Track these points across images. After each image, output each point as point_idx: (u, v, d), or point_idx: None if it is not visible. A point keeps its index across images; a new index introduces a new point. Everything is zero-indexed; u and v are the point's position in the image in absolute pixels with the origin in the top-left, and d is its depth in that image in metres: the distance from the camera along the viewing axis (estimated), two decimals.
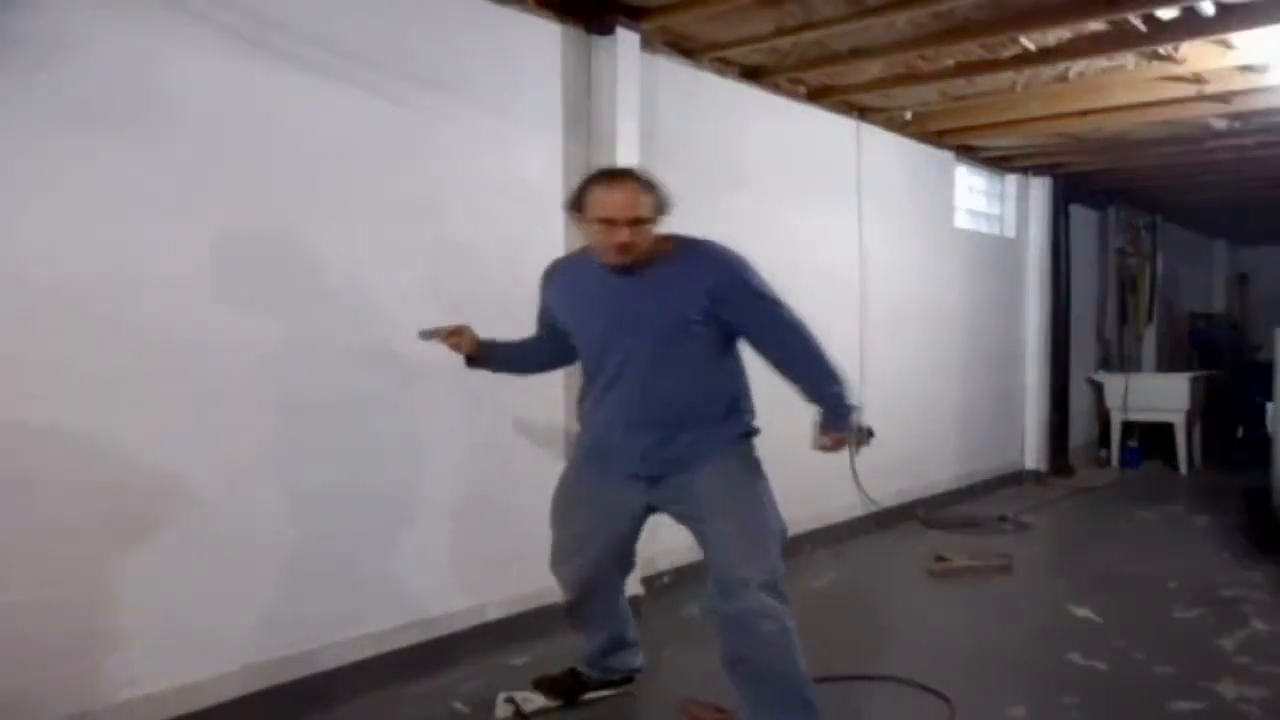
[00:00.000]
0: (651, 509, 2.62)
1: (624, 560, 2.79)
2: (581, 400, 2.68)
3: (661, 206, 2.39)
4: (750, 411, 2.58)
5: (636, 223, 2.33)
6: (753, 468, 2.54)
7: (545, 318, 2.74)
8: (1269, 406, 5.78)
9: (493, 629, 3.38)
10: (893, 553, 5.06)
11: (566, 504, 2.72)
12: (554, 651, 3.25)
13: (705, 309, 2.41)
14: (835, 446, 2.53)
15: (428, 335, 2.57)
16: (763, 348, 2.51)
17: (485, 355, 2.69)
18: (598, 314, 2.52)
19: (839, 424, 2.49)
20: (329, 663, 2.92)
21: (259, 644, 2.77)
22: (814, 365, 2.49)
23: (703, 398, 2.49)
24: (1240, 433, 8.55)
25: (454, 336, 2.60)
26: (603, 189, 2.37)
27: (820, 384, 2.48)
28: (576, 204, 2.42)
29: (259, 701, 2.74)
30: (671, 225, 4.25)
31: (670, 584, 4.08)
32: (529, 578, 3.51)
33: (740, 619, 2.36)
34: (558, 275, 2.69)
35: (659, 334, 2.43)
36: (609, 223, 2.33)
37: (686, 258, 2.43)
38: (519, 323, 3.48)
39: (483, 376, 3.37)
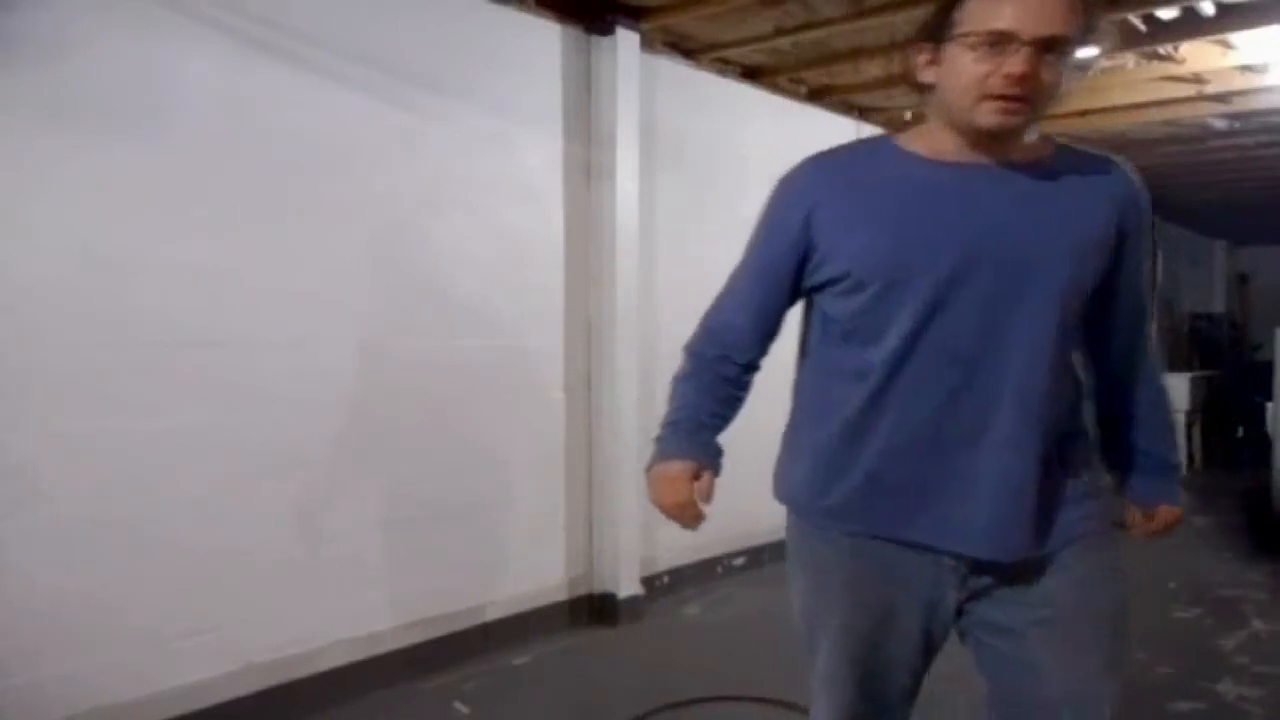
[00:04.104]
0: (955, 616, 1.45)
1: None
2: (813, 424, 1.46)
3: (1093, 36, 1.29)
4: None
5: (1050, 47, 1.23)
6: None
7: (785, 263, 1.44)
8: (1269, 406, 5.77)
9: (493, 629, 3.39)
10: None
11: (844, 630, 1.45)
12: (554, 651, 3.25)
13: (1111, 250, 1.38)
14: (1163, 529, 1.72)
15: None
16: (1108, 344, 1.49)
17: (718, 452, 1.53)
18: (939, 235, 1.32)
19: (1175, 494, 1.69)
20: (329, 663, 2.92)
21: (259, 644, 2.77)
22: (1165, 406, 1.62)
23: (1070, 414, 1.46)
24: (1240, 433, 8.55)
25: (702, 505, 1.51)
26: None
27: (1165, 433, 1.64)
28: (937, 22, 1.29)
29: (259, 701, 2.74)
30: (668, 226, 4.21)
31: (670, 584, 4.08)
32: (529, 578, 3.52)
33: None
34: (828, 175, 1.44)
35: (1065, 280, 1.33)
36: (1003, 39, 1.22)
37: (1086, 160, 1.39)
38: (519, 322, 3.51)
39: (482, 374, 3.39)
